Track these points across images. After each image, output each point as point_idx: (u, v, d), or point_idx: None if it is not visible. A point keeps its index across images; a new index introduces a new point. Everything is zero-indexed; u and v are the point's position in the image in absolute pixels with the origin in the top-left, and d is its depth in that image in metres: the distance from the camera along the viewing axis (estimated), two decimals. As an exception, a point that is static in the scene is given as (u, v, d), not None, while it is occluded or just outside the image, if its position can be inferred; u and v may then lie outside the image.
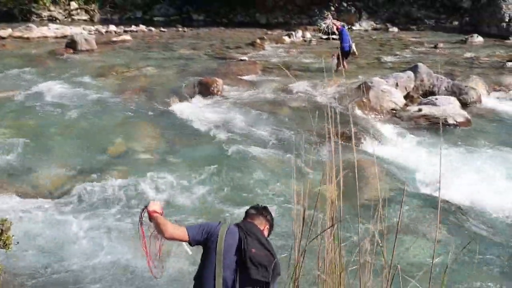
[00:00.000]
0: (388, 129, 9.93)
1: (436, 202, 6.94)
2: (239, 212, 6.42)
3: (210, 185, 7.30)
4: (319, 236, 2.18)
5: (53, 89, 12.16)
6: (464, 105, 11.19)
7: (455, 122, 10.11)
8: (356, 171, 2.37)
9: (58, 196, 6.98)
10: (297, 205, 2.17)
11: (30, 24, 23.86)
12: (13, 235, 3.16)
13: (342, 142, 8.38)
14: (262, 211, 3.30)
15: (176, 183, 7.36)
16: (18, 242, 3.23)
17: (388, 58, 17.34)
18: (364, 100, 10.81)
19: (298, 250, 2.09)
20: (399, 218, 2.09)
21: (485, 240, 6.06)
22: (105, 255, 5.57)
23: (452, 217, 6.53)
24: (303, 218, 2.13)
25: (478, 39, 21.16)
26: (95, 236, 5.98)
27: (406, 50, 19.47)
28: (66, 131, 9.34)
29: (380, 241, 2.27)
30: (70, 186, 7.22)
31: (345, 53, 14.05)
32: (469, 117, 10.38)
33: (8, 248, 3.13)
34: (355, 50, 14.43)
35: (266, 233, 3.21)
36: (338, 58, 13.93)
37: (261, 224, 3.21)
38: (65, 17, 30.97)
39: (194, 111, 10.86)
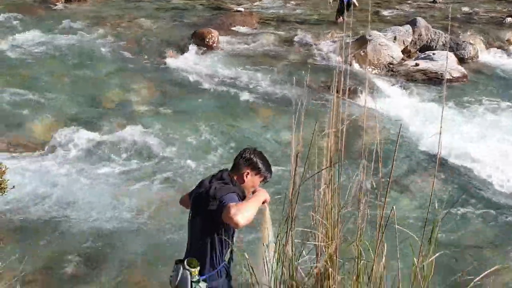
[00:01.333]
0: (384, 83, 9.87)
1: (431, 156, 7.00)
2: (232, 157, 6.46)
3: (206, 135, 7.30)
4: (316, 180, 2.18)
5: (45, 38, 11.89)
6: (462, 60, 11.11)
7: (451, 77, 10.05)
8: (364, 119, 2.36)
9: (52, 147, 6.96)
10: (295, 148, 2.16)
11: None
12: (8, 179, 3.16)
13: (340, 95, 8.38)
14: (237, 158, 3.15)
15: (172, 134, 7.35)
16: (14, 186, 3.23)
17: (387, 12, 17.01)
18: (362, 54, 10.68)
19: (292, 189, 2.09)
20: (392, 168, 2.08)
21: (479, 195, 6.16)
22: (98, 202, 5.64)
23: (446, 171, 6.60)
24: (297, 156, 2.12)
25: (478, -6, 20.72)
26: (88, 184, 6.01)
27: (404, 4, 19.07)
28: (59, 82, 9.20)
29: (375, 186, 2.29)
30: (64, 137, 7.18)
31: (346, 5, 13.74)
32: (466, 72, 10.32)
33: (4, 191, 3.13)
34: (355, 1, 14.12)
35: (246, 177, 3.04)
36: (338, 10, 13.65)
37: (237, 170, 3.07)
38: (55, -35, 29.94)
39: (189, 63, 10.69)
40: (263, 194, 2.93)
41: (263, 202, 2.88)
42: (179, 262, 3.02)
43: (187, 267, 2.92)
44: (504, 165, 6.80)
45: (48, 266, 4.40)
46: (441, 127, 1.94)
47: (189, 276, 2.89)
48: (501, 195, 6.21)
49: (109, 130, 7.35)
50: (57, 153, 6.78)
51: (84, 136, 7.13)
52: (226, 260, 3.02)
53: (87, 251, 4.78)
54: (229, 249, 3.00)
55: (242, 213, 2.61)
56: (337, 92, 2.49)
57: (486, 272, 2.00)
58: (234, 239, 3.07)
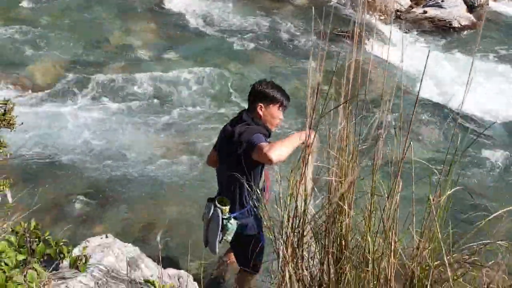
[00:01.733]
0: (392, 31, 9.67)
1: (438, 105, 6.96)
2: (241, 101, 6.43)
3: (212, 80, 7.23)
4: (332, 116, 2.15)
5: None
6: (471, 8, 10.83)
7: (460, 26, 9.84)
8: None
9: (56, 89, 6.89)
10: (312, 82, 2.11)
11: None
12: (16, 116, 3.13)
13: (348, 41, 8.26)
14: (249, 95, 3.07)
15: (175, 78, 7.27)
16: (22, 123, 3.19)
17: (395, -43, 16.44)
18: (369, 0, 10.39)
19: (309, 123, 2.06)
20: (416, 103, 2.05)
21: (489, 142, 6.18)
22: (105, 145, 5.65)
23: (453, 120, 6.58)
24: (317, 90, 2.08)
25: None
26: (94, 127, 6.00)
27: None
28: (60, 23, 8.97)
29: (394, 124, 2.27)
30: (67, 79, 7.11)
31: None
32: (475, 20, 10.09)
33: (13, 127, 3.11)
34: None
35: (260, 111, 2.98)
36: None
37: (252, 107, 3.01)
38: None
39: (193, 6, 10.42)
40: (300, 135, 2.67)
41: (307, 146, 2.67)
42: (211, 200, 3.10)
43: (218, 205, 2.98)
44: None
45: (58, 203, 4.46)
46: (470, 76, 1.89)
47: (220, 214, 2.96)
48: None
49: (113, 73, 7.26)
50: (61, 96, 6.72)
51: (87, 80, 7.06)
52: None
53: (94, 192, 4.84)
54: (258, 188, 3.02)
55: (274, 150, 2.62)
56: (351, 39, 2.42)
57: (500, 212, 2.00)
58: (261, 183, 3.09)
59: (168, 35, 8.79)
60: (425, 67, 1.89)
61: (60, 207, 4.39)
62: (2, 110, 3.14)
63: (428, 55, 1.92)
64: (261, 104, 2.99)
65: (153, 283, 1.99)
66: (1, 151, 2.96)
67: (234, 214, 3.05)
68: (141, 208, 4.68)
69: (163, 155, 5.59)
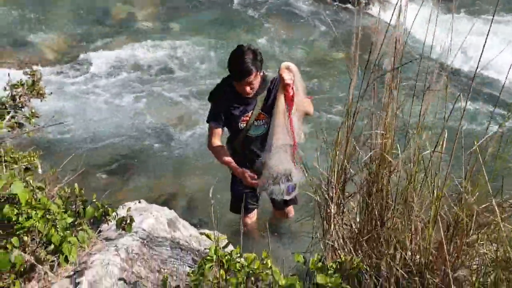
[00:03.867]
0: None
1: (447, 67, 6.97)
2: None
3: (217, 50, 7.22)
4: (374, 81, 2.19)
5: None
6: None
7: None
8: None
9: (63, 64, 6.88)
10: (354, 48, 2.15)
11: None
12: (45, 86, 3.16)
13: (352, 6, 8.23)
14: None
15: (183, 48, 7.24)
16: (51, 93, 3.22)
17: None
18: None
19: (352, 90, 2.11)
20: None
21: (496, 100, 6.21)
22: (118, 117, 5.69)
23: (463, 81, 6.61)
24: (355, 58, 2.12)
25: None
26: (105, 101, 6.03)
27: None
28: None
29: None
30: (74, 53, 7.09)
31: None
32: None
33: (44, 97, 3.14)
34: None
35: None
36: None
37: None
38: None
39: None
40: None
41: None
42: None
43: None
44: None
45: (84, 174, 4.52)
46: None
47: None
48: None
49: (119, 46, 7.23)
50: (70, 70, 6.71)
51: (93, 53, 7.03)
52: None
53: (116, 163, 4.91)
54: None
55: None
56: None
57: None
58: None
59: (172, 6, 8.68)
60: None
61: (86, 178, 4.44)
62: (31, 80, 3.16)
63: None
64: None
65: (208, 236, 2.06)
66: (33, 121, 2.98)
67: None
68: (163, 177, 4.75)
69: (178, 123, 5.64)
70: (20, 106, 3.05)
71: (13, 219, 2.01)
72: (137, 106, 5.91)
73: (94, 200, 2.47)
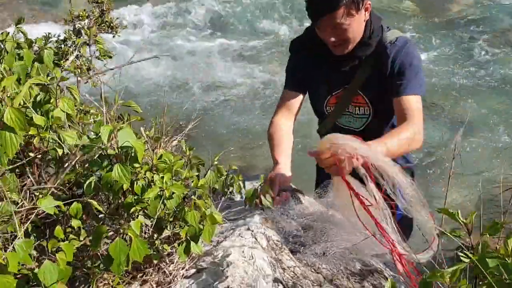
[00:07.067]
0: None
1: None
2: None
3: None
4: None
5: None
6: None
7: None
8: None
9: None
10: None
11: None
12: (117, 18, 2.39)
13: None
14: None
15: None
16: (126, 26, 2.45)
17: None
18: None
19: None
20: None
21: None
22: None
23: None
24: None
25: None
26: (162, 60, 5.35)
27: None
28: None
29: None
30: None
31: None
32: None
33: (116, 32, 2.36)
34: None
35: None
36: None
37: None
38: None
39: None
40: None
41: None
42: None
43: None
44: None
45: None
46: None
47: None
48: None
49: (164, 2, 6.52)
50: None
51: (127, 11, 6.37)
52: None
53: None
54: None
55: None
56: None
57: None
58: None
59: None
60: None
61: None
62: (98, 11, 2.37)
63: None
64: None
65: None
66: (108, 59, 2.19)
67: None
68: (229, 141, 4.07)
69: (242, 87, 4.92)
70: (86, 42, 2.27)
71: (126, 187, 1.23)
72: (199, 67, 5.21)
73: (216, 163, 1.69)
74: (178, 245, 1.41)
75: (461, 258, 1.15)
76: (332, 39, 1.82)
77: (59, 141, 1.29)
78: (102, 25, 2.31)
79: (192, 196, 1.31)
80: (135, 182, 1.25)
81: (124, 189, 1.24)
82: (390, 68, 1.90)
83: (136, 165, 1.27)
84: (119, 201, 1.27)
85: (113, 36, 2.34)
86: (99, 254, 1.31)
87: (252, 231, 1.65)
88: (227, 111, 4.66)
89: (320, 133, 2.23)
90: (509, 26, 6.03)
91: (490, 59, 5.40)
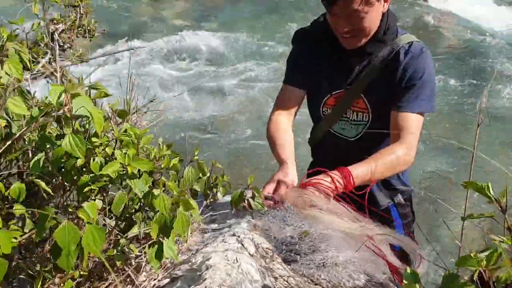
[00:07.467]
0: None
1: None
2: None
3: (257, 40, 6.46)
4: None
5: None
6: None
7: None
8: None
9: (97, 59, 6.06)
10: None
11: None
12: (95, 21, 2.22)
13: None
14: None
15: (216, 44, 6.48)
16: (105, 30, 2.26)
17: None
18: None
19: None
20: None
21: None
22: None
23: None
24: None
25: None
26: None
27: None
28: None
29: None
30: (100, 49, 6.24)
31: None
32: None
33: (93, 35, 2.11)
34: None
35: None
36: None
37: None
38: None
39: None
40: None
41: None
42: None
43: None
44: None
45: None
46: None
47: None
48: None
49: (148, 42, 6.40)
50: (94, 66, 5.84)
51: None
52: None
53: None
54: None
55: None
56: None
57: None
58: None
59: (201, 2, 7.93)
60: None
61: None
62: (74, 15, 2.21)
63: None
64: None
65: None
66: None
67: None
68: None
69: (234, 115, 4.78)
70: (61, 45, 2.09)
71: (80, 163, 1.00)
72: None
73: (196, 158, 1.47)
74: (149, 247, 1.17)
75: (496, 242, 0.93)
76: (346, 28, 1.61)
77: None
78: (79, 29, 2.14)
79: (162, 177, 1.08)
80: (92, 159, 1.02)
81: (78, 165, 1.01)
82: (400, 76, 1.69)
83: (94, 139, 1.05)
84: (72, 181, 1.03)
85: (90, 40, 2.18)
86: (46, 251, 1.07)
87: (238, 236, 1.41)
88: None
89: (311, 143, 2.00)
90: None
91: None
